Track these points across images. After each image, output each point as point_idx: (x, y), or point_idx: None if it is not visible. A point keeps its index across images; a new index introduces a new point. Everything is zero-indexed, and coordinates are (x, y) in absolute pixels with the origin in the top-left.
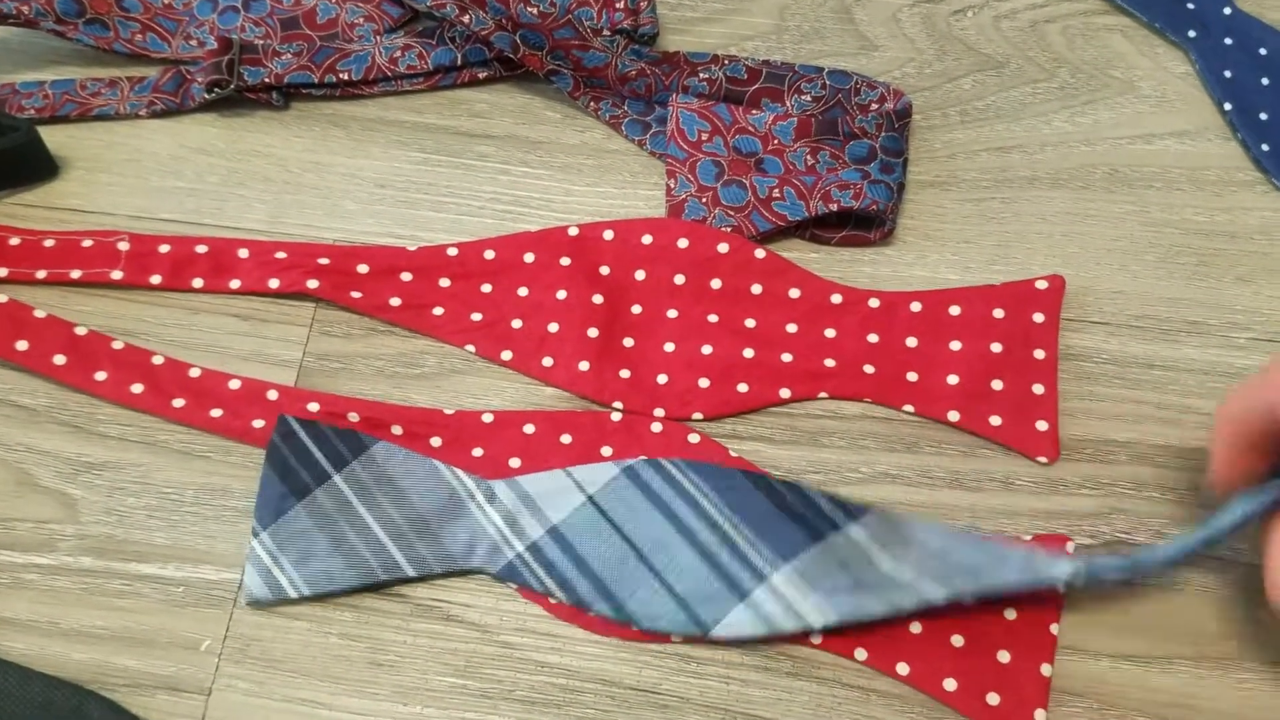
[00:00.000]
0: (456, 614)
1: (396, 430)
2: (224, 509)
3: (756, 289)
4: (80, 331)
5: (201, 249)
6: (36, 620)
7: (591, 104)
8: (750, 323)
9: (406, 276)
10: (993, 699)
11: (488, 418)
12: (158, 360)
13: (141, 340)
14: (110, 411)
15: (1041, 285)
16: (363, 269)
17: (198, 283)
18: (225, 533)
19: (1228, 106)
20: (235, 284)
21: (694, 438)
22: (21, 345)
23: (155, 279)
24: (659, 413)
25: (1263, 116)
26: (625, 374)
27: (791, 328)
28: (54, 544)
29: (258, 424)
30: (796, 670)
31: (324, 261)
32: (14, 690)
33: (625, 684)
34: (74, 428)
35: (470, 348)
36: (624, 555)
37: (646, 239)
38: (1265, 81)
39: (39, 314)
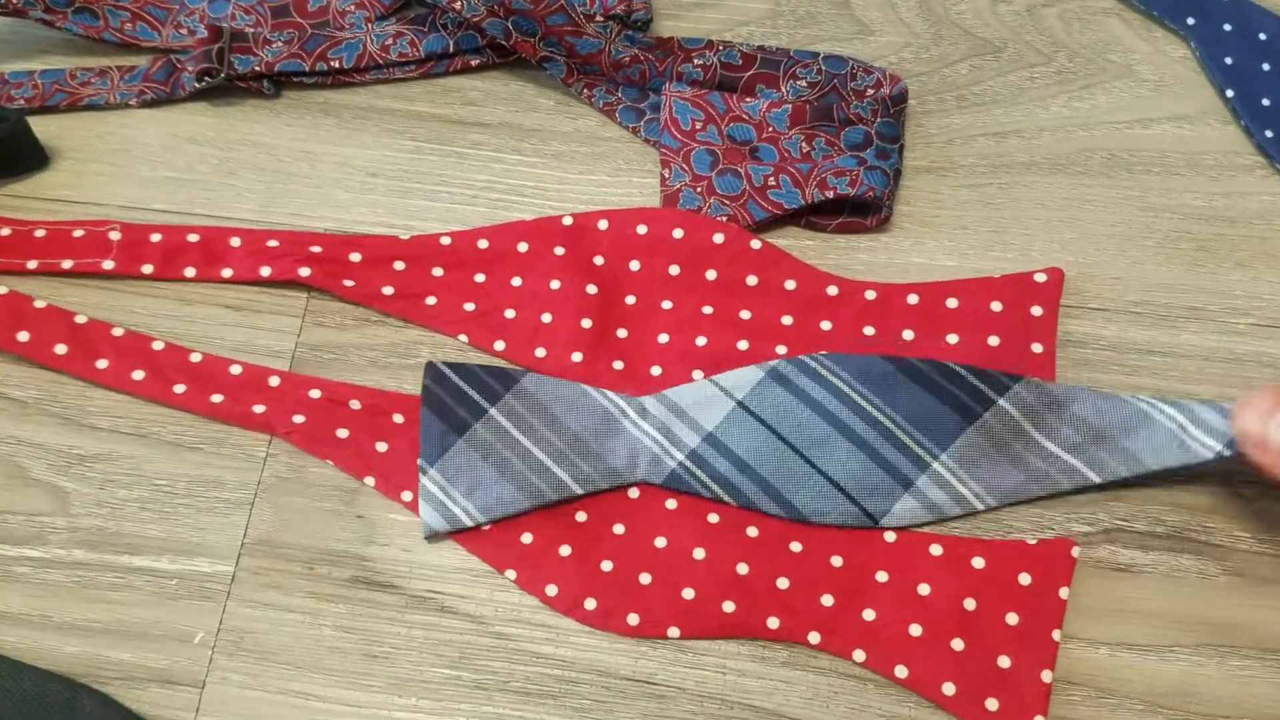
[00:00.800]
0: (451, 605)
1: (398, 419)
2: (217, 501)
3: (752, 280)
4: (80, 320)
5: (193, 238)
6: (29, 614)
7: (585, 91)
8: (745, 314)
9: (399, 265)
10: (992, 704)
11: None
12: (158, 346)
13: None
14: (101, 403)
15: (1040, 278)
16: (355, 258)
17: (190, 272)
18: (218, 524)
19: (1229, 93)
20: (227, 273)
21: None
22: (23, 336)
23: (147, 268)
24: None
25: (1265, 102)
26: (619, 365)
27: (787, 319)
28: (46, 537)
29: (258, 409)
30: (792, 660)
31: (316, 250)
32: (6, 684)
33: (621, 674)
34: (65, 420)
35: (463, 337)
36: (783, 454)
37: (641, 229)
38: (1266, 67)
39: (39, 304)
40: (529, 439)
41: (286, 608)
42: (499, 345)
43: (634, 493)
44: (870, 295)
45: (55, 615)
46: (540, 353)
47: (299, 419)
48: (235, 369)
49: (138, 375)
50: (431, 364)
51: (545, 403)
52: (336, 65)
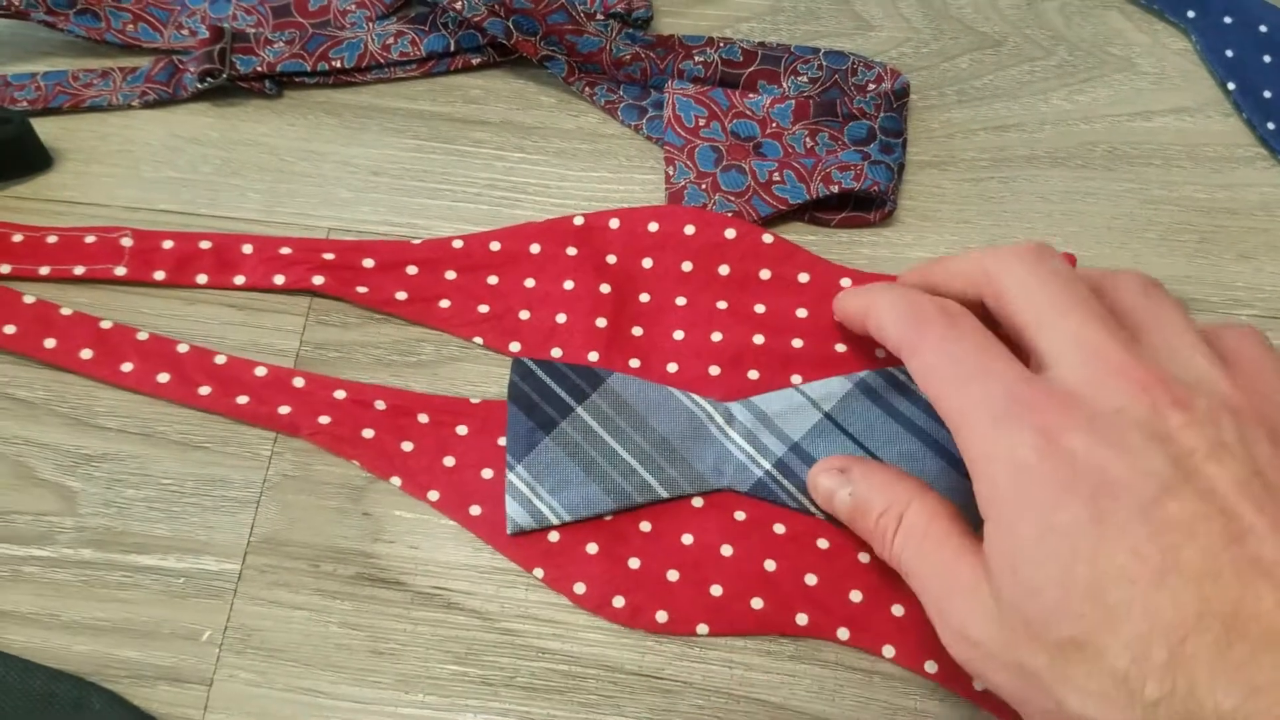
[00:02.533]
0: (458, 602)
1: (423, 419)
2: (224, 499)
3: (765, 274)
4: (105, 325)
5: (205, 244)
6: (37, 613)
7: (586, 89)
8: (760, 308)
9: (412, 270)
10: None
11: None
12: (183, 349)
13: (140, 329)
14: (109, 403)
15: None
16: (368, 263)
17: (202, 279)
18: (225, 523)
19: (1231, 86)
20: (240, 280)
21: None
22: (50, 343)
23: (159, 275)
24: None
25: (1266, 94)
26: (635, 363)
27: (802, 312)
28: (53, 536)
29: (284, 410)
30: (799, 653)
31: (329, 257)
32: (15, 684)
33: (628, 669)
34: (72, 420)
35: (478, 339)
36: None
37: (653, 226)
38: (1267, 59)
39: (65, 311)
40: (615, 440)
41: (293, 605)
42: (514, 346)
43: None
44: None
45: (63, 614)
46: (556, 353)
47: (324, 420)
48: (260, 370)
49: (163, 378)
50: (519, 360)
51: (631, 404)
52: (338, 65)
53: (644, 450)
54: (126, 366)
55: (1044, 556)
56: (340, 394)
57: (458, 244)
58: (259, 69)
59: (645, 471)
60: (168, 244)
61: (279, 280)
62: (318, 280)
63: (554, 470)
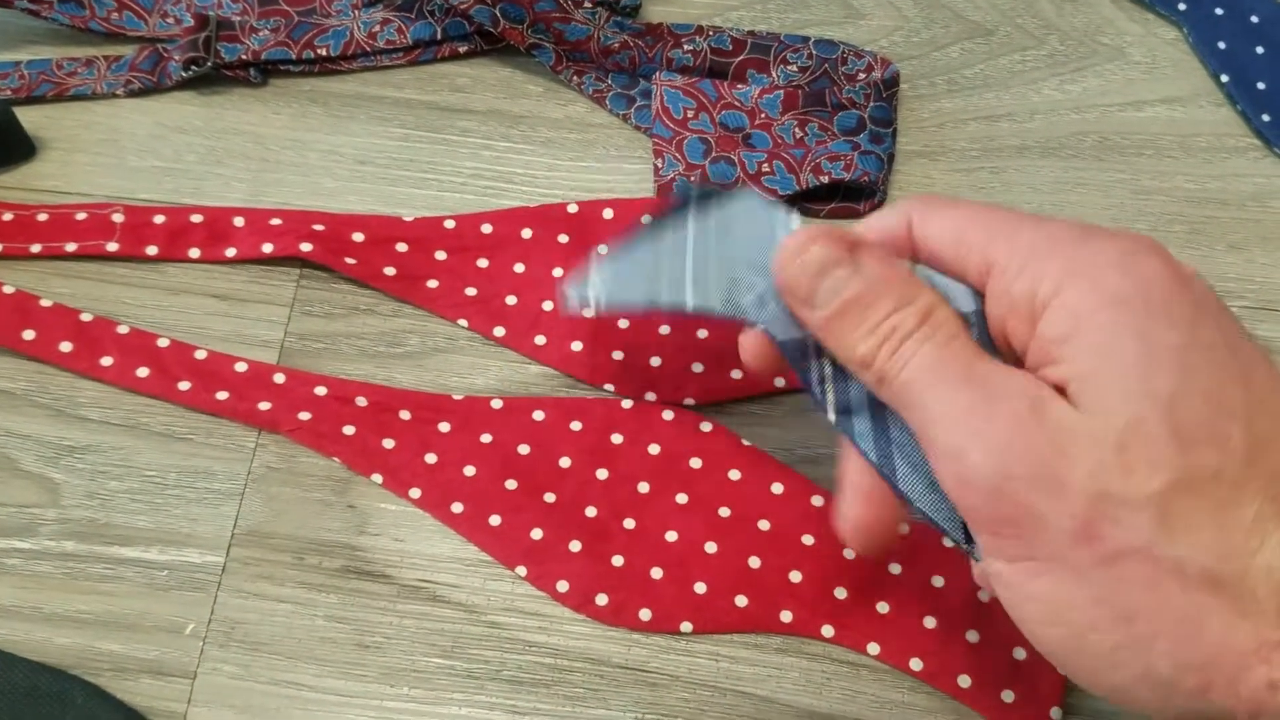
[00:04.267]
0: (443, 595)
1: (405, 415)
2: (207, 491)
3: None
4: (85, 318)
5: (196, 218)
6: (19, 605)
7: (574, 78)
8: None
9: (402, 247)
10: (1008, 696)
11: (497, 403)
12: (163, 343)
13: (120, 322)
14: (91, 395)
15: None
16: (358, 237)
17: (194, 252)
18: (208, 515)
19: (1225, 79)
20: (231, 252)
21: (706, 426)
22: (28, 335)
23: (151, 250)
24: (650, 397)
25: (1260, 86)
26: (618, 356)
27: None
28: (36, 528)
29: (263, 406)
30: (785, 647)
31: (319, 228)
32: None
33: (614, 662)
34: (55, 411)
35: (463, 322)
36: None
37: (646, 219)
38: (1260, 50)
39: (45, 303)
40: (694, 251)
41: (277, 598)
42: (499, 331)
43: (643, 487)
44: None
45: (45, 607)
46: (540, 340)
47: (305, 416)
48: (240, 366)
49: (142, 372)
50: (683, 181)
51: (732, 218)
52: (323, 53)
53: (706, 261)
54: (106, 360)
55: (1192, 365)
56: (321, 390)
57: (449, 224)
58: (244, 57)
59: (691, 276)
60: (159, 219)
61: (267, 249)
62: (306, 248)
63: (625, 258)
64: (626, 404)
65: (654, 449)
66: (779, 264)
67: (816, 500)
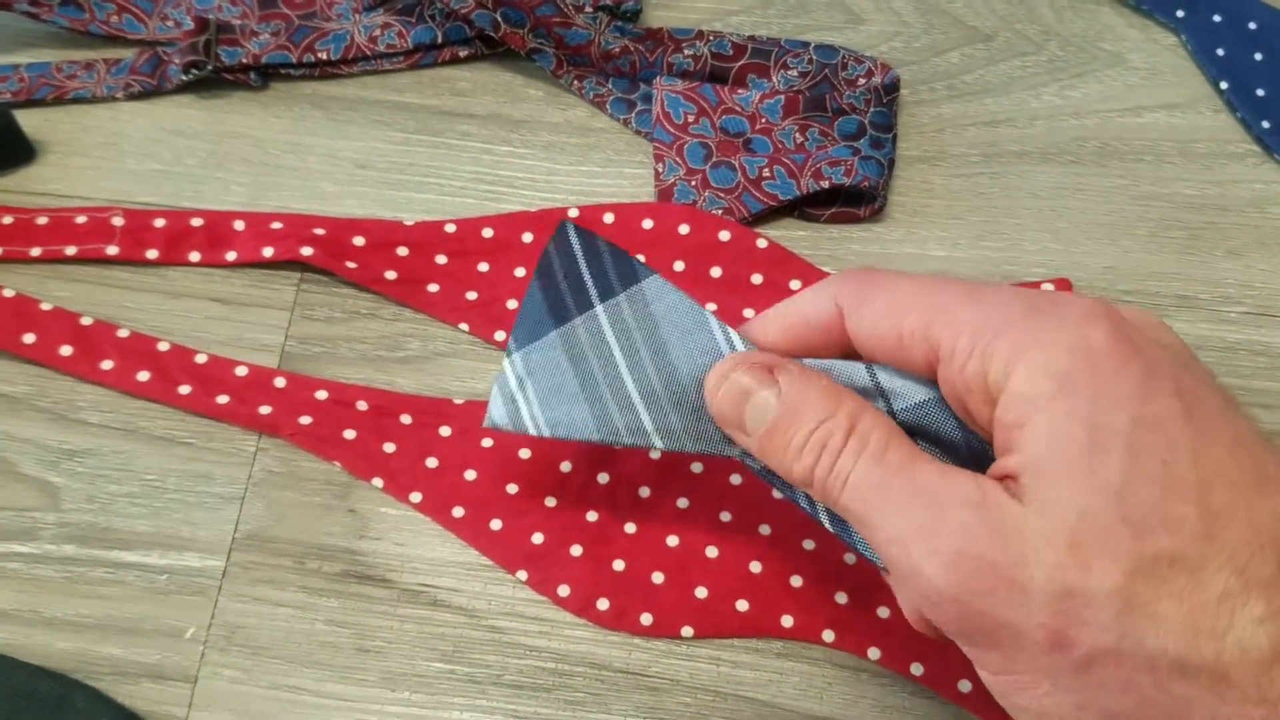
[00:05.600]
0: (444, 599)
1: (406, 419)
2: (206, 495)
3: (757, 279)
4: (86, 321)
5: (197, 222)
6: (19, 610)
7: (575, 82)
8: (749, 312)
9: (403, 251)
10: None
11: None
12: (163, 347)
13: (121, 326)
14: (91, 398)
15: (1047, 288)
16: (359, 241)
17: (194, 256)
18: (208, 519)
19: (1224, 85)
20: (231, 255)
21: None
22: (29, 338)
23: (151, 253)
24: None
25: (1260, 93)
26: None
27: None
28: (36, 532)
29: (264, 410)
30: (786, 651)
31: (320, 232)
32: None
33: (615, 667)
34: (54, 415)
35: (464, 326)
36: None
37: (647, 223)
38: (1259, 57)
39: (45, 306)
40: (626, 360)
41: (278, 602)
42: (499, 335)
43: (645, 491)
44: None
45: (46, 611)
46: None
47: (305, 420)
48: (241, 370)
49: (142, 376)
50: (563, 223)
51: (658, 320)
52: (324, 57)
53: (652, 384)
54: (106, 364)
55: (1140, 449)
56: (322, 394)
57: (450, 228)
58: (244, 60)
59: (646, 411)
60: (159, 222)
61: (268, 252)
62: (306, 251)
63: (550, 373)
64: None
65: (654, 453)
66: (707, 399)
67: None
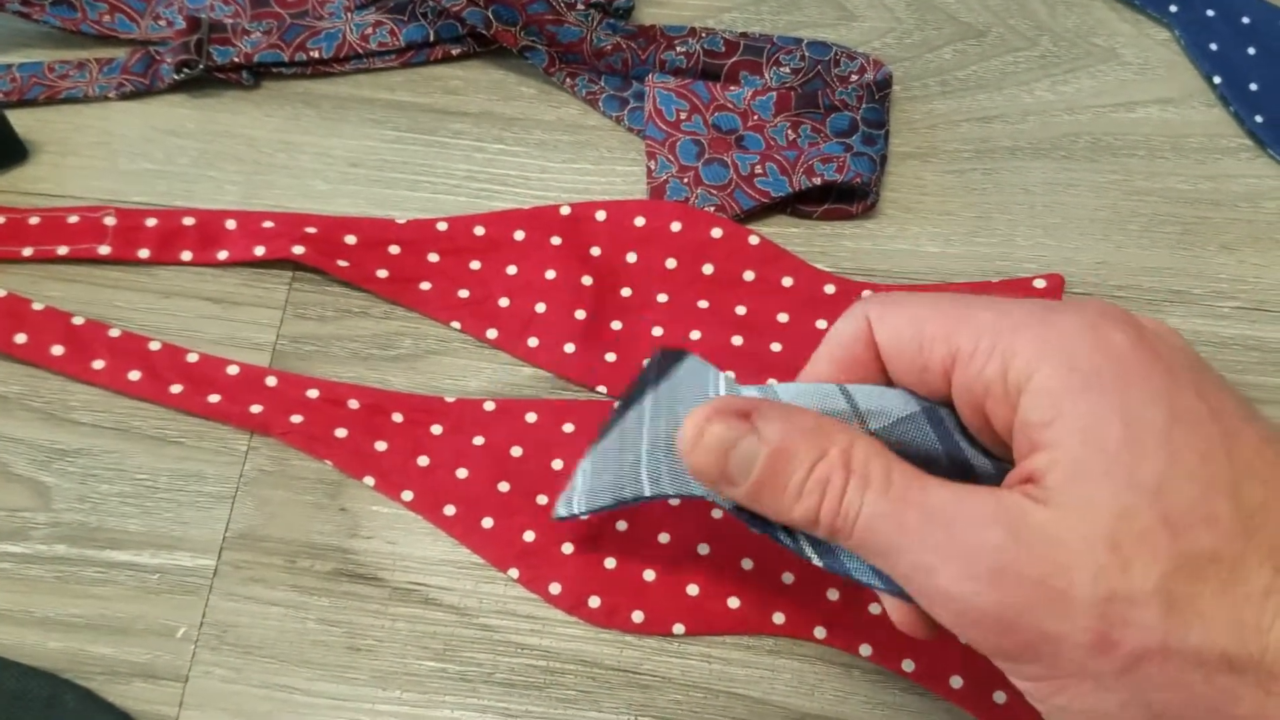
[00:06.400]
0: (435, 598)
1: (397, 418)
2: (198, 495)
3: (749, 275)
4: (77, 321)
5: (189, 221)
6: (10, 609)
7: (567, 80)
8: (741, 310)
9: (394, 249)
10: (999, 697)
11: (489, 406)
12: (154, 346)
13: (112, 326)
14: (83, 398)
15: (1039, 284)
16: (350, 239)
17: (186, 255)
18: (199, 519)
19: (1217, 80)
20: (223, 254)
21: None
22: (20, 338)
23: (143, 253)
24: None
25: (1253, 87)
26: (611, 358)
27: (783, 317)
28: (27, 532)
29: (255, 409)
30: (778, 648)
31: (311, 231)
32: None
33: (606, 664)
34: (46, 415)
35: (456, 324)
36: None
37: (639, 221)
38: (1252, 51)
39: (37, 306)
40: (649, 431)
41: (269, 601)
42: (491, 334)
43: None
44: (868, 295)
45: (37, 610)
46: (533, 342)
47: (297, 419)
48: (232, 369)
49: (134, 376)
50: (663, 349)
51: (678, 392)
52: (316, 55)
53: (657, 439)
54: (98, 364)
55: (1178, 444)
56: (313, 393)
57: (442, 225)
58: (236, 59)
59: (646, 463)
60: (151, 221)
61: (259, 251)
62: (298, 250)
63: (601, 459)
64: (618, 405)
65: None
66: (683, 456)
67: None
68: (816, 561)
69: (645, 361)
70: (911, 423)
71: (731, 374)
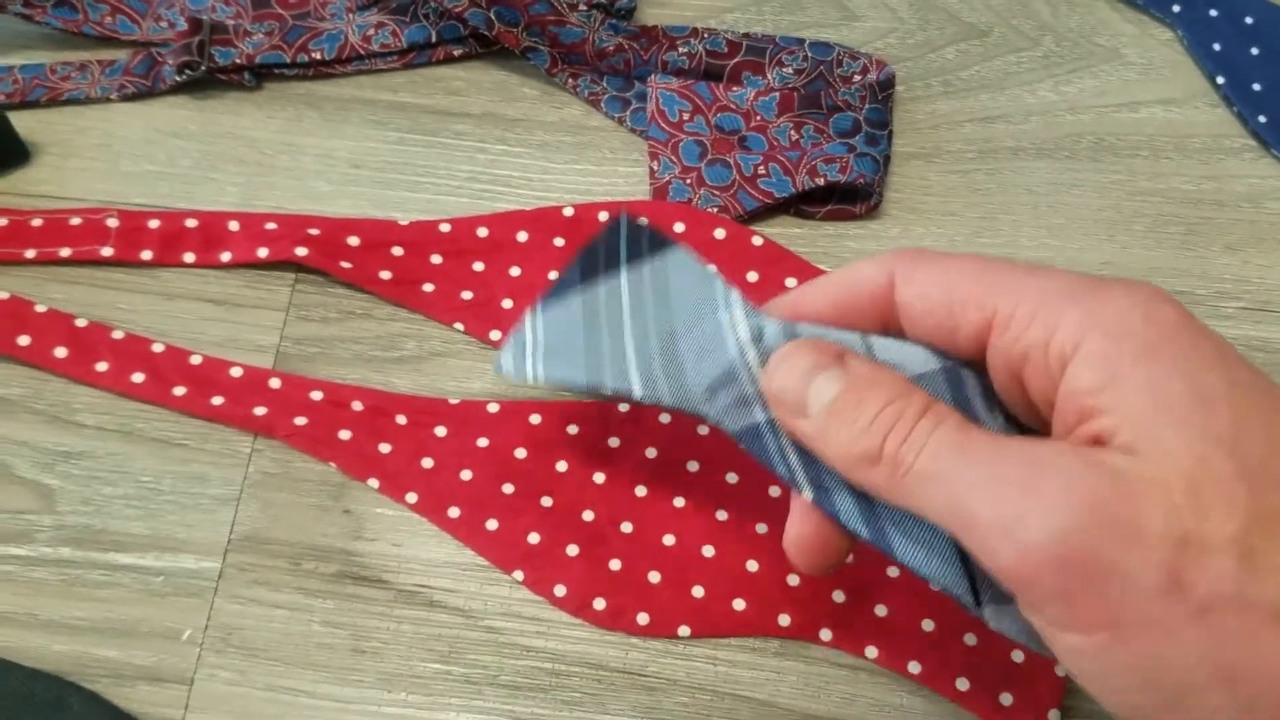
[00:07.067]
0: (440, 600)
1: (401, 420)
2: (202, 497)
3: (753, 276)
4: (80, 323)
5: (191, 223)
6: (15, 612)
7: (569, 80)
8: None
9: (397, 251)
10: (1006, 699)
11: (493, 407)
12: (158, 348)
13: (115, 328)
14: (86, 400)
15: None
16: (353, 241)
17: (189, 257)
18: (204, 521)
19: (1220, 80)
20: (226, 256)
21: (703, 429)
22: (23, 341)
23: (146, 254)
24: None
25: (1256, 87)
26: None
27: None
28: (31, 535)
29: (259, 411)
30: (784, 650)
31: (314, 232)
32: None
33: (612, 667)
34: (50, 417)
35: (459, 326)
36: None
37: (642, 220)
38: (1255, 51)
39: (40, 308)
40: (633, 323)
41: (274, 604)
42: (495, 335)
43: (641, 490)
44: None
45: (42, 613)
46: None
47: (301, 421)
48: (236, 371)
49: (137, 378)
50: (624, 217)
51: (669, 280)
52: (318, 56)
53: (648, 338)
54: (101, 366)
55: (1243, 406)
56: (317, 395)
57: (444, 227)
58: (238, 61)
59: (635, 368)
60: (154, 223)
61: (263, 253)
62: (301, 252)
63: (562, 331)
64: (623, 408)
65: (651, 452)
66: (766, 375)
67: None
68: (808, 494)
69: (607, 222)
70: (928, 381)
71: (738, 291)
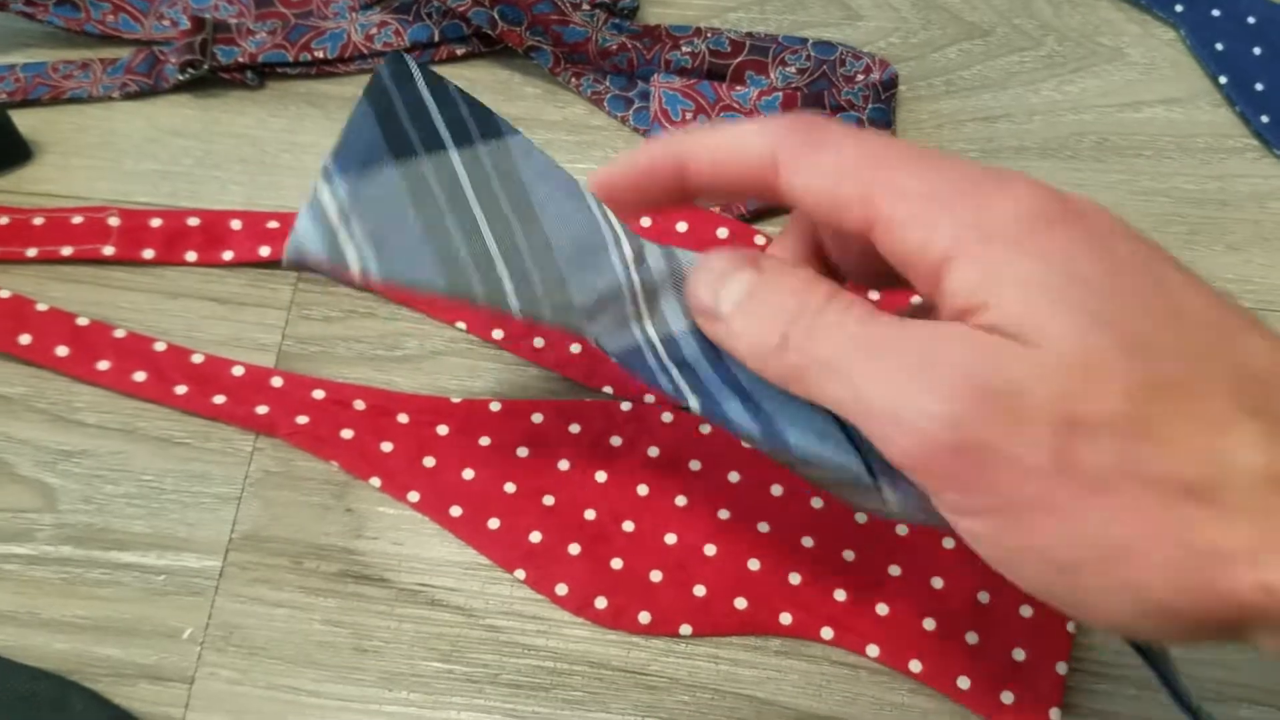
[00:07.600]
0: (441, 599)
1: (403, 419)
2: (203, 495)
3: None
4: (82, 322)
5: (193, 221)
6: (16, 611)
7: (572, 80)
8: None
9: None
10: (1007, 697)
11: (495, 406)
12: (159, 347)
13: (117, 326)
14: (88, 399)
15: None
16: None
17: (191, 256)
18: (205, 520)
19: (1222, 80)
20: (228, 255)
21: (705, 428)
22: (25, 339)
23: (148, 253)
24: (649, 399)
25: (1259, 87)
26: None
27: None
28: (33, 533)
29: (261, 410)
30: (786, 649)
31: None
32: None
33: (613, 665)
34: (51, 416)
35: (461, 325)
36: None
37: (645, 221)
38: (1258, 51)
39: (41, 307)
40: (485, 215)
41: (275, 602)
42: (497, 334)
43: (643, 489)
44: (874, 296)
45: (43, 612)
46: (539, 343)
47: (302, 420)
48: (237, 370)
49: (139, 377)
50: (401, 56)
51: (525, 181)
52: (320, 55)
53: (514, 244)
54: (103, 364)
55: (1123, 287)
56: (319, 394)
57: None
58: (241, 60)
59: (505, 269)
60: (156, 222)
61: (265, 252)
62: None
63: (384, 208)
64: (625, 406)
65: (653, 451)
66: (688, 286)
67: (816, 502)
68: (694, 405)
69: (399, 73)
70: None
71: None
